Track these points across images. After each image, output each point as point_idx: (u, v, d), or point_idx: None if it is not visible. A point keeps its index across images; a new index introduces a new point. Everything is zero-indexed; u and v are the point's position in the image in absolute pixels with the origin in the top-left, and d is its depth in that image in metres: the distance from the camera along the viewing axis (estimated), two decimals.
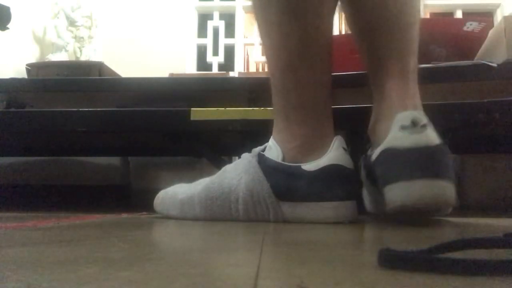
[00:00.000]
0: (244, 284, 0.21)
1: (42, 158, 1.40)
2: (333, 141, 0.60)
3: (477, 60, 1.08)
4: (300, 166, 0.59)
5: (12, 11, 1.12)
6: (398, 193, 0.53)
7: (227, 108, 0.93)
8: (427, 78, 1.02)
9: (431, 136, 0.53)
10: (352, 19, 0.65)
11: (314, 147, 0.60)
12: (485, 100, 0.85)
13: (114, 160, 1.36)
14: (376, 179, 0.58)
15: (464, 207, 1.08)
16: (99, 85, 1.14)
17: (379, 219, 0.66)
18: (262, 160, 0.62)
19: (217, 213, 0.63)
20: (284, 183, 0.59)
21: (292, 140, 0.62)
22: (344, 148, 0.59)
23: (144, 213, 0.77)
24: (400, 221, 0.60)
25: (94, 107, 0.95)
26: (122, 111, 0.96)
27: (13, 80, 1.13)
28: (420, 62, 1.07)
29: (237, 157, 1.50)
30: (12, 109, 1.07)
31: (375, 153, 0.58)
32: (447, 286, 0.21)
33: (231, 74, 2.37)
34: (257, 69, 2.91)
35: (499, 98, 0.86)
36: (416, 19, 0.63)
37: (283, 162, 0.61)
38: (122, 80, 1.23)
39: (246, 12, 2.89)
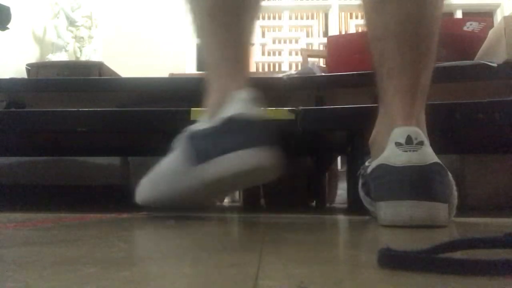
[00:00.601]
0: (244, 284, 0.21)
1: (42, 158, 1.40)
2: (235, 94, 0.59)
3: (477, 60, 1.08)
4: (207, 124, 0.59)
5: (12, 11, 1.12)
6: (388, 211, 0.53)
7: None
8: None
9: (426, 155, 0.52)
10: (370, 23, 0.62)
11: (224, 102, 0.60)
12: (485, 100, 0.85)
13: (114, 160, 1.36)
14: (370, 192, 0.59)
15: (464, 207, 1.08)
16: (99, 85, 1.14)
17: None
18: (188, 131, 0.62)
19: (165, 191, 0.63)
20: (201, 146, 0.59)
21: (209, 99, 0.63)
22: (245, 99, 0.58)
23: (144, 213, 0.77)
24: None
25: (94, 107, 0.95)
26: (122, 111, 0.96)
27: (13, 80, 1.13)
28: None
29: None
30: (12, 109, 1.07)
31: (371, 166, 0.58)
32: (447, 286, 0.21)
33: None
34: (257, 69, 2.92)
35: (499, 98, 0.86)
36: (434, 29, 0.59)
37: (198, 127, 0.61)
38: (122, 80, 1.23)
39: None
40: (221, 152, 0.55)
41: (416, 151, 0.52)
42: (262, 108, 0.60)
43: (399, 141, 0.53)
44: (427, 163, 0.52)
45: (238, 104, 0.58)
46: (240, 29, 0.66)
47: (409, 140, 0.52)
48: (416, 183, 0.51)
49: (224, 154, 0.55)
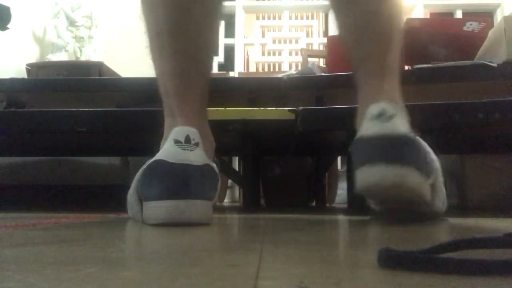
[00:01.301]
0: (244, 284, 0.21)
1: (42, 158, 1.40)
2: (169, 133, 0.57)
3: (477, 60, 1.08)
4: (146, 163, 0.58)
5: (12, 11, 1.12)
6: (360, 176, 0.55)
7: (227, 108, 0.93)
8: (427, 78, 1.02)
9: (397, 126, 0.55)
10: (341, 20, 0.67)
11: (164, 139, 0.60)
12: (485, 100, 0.85)
13: (114, 160, 1.36)
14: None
15: (464, 207, 1.08)
16: (99, 85, 1.14)
17: (379, 219, 0.66)
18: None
19: (133, 216, 0.61)
20: (140, 183, 0.57)
21: (164, 129, 0.63)
22: (176, 140, 0.56)
23: None
24: (400, 221, 0.60)
25: (94, 107, 0.95)
26: (122, 111, 0.96)
27: (13, 80, 1.13)
28: (420, 62, 1.08)
29: (237, 157, 1.51)
30: (12, 109, 1.07)
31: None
32: (447, 286, 0.21)
33: (231, 74, 2.37)
34: (257, 69, 2.92)
35: (499, 98, 0.86)
36: (391, 17, 0.64)
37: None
38: (122, 80, 1.23)
39: (246, 12, 2.89)
40: (147, 199, 0.54)
41: (388, 122, 0.55)
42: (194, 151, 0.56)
43: (372, 115, 0.57)
44: (399, 133, 0.55)
45: (166, 147, 0.56)
46: (193, 58, 0.63)
47: (380, 114, 0.56)
48: (388, 149, 0.54)
49: (149, 201, 0.54)
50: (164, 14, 0.62)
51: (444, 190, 0.65)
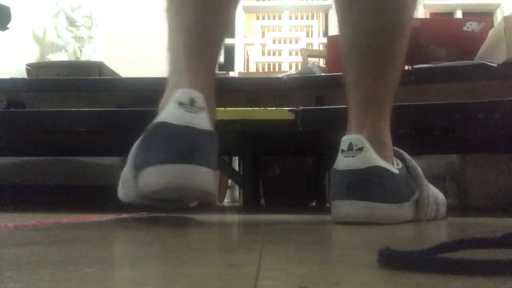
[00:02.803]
0: (244, 284, 0.21)
1: (42, 158, 1.40)
2: (173, 94, 0.52)
3: (477, 60, 1.08)
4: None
5: (12, 11, 1.12)
6: (333, 209, 0.59)
7: (227, 108, 0.93)
8: (427, 78, 1.02)
9: (364, 159, 0.57)
10: (340, 37, 0.66)
11: (167, 102, 0.54)
12: (485, 100, 0.85)
13: (114, 160, 1.36)
14: None
15: (464, 207, 1.08)
16: (99, 85, 1.14)
17: None
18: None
19: (125, 195, 0.60)
20: (136, 153, 0.54)
21: (163, 96, 0.59)
22: (180, 102, 0.51)
23: (144, 213, 0.77)
24: (400, 221, 0.60)
25: (94, 107, 0.95)
26: (122, 111, 0.96)
27: (13, 80, 1.13)
28: (420, 62, 1.08)
29: (237, 157, 1.51)
30: (12, 109, 1.07)
31: None
32: (447, 286, 0.21)
33: (231, 74, 2.37)
34: (257, 69, 2.92)
35: (499, 98, 0.86)
36: (393, 40, 0.61)
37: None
38: (122, 80, 1.23)
39: (246, 12, 2.89)
40: (145, 165, 0.50)
41: (355, 156, 0.57)
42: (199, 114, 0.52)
43: (343, 148, 0.59)
44: (364, 167, 0.56)
45: (169, 109, 0.51)
46: (214, 16, 0.60)
47: (350, 147, 0.58)
48: (352, 184, 0.57)
49: (147, 167, 0.49)
50: None
51: (438, 197, 0.67)
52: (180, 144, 0.48)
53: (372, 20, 0.59)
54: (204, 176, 0.49)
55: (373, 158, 0.57)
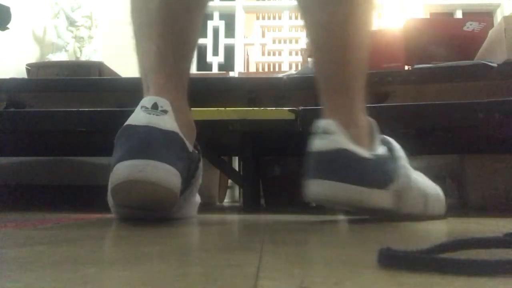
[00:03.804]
0: (244, 284, 0.21)
1: (42, 158, 1.40)
2: (140, 102, 0.57)
3: (477, 60, 1.08)
4: None
5: (12, 11, 1.12)
6: (306, 188, 0.60)
7: (227, 108, 0.93)
8: (427, 78, 1.02)
9: (333, 142, 0.59)
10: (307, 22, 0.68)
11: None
12: (485, 100, 0.85)
13: None
14: None
15: (464, 207, 1.08)
16: (99, 85, 1.14)
17: (379, 219, 0.66)
18: None
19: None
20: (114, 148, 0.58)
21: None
22: (143, 106, 0.55)
23: None
24: (400, 221, 0.60)
25: (94, 107, 0.95)
26: (122, 111, 0.96)
27: (13, 80, 1.13)
28: (420, 62, 1.08)
29: (237, 157, 1.51)
30: (12, 109, 1.07)
31: None
32: (447, 286, 0.21)
33: (231, 74, 2.37)
34: (257, 69, 2.92)
35: (499, 98, 0.86)
36: (358, 44, 0.64)
37: None
38: (122, 80, 1.23)
39: (246, 12, 2.89)
40: (112, 166, 0.53)
41: (324, 139, 0.60)
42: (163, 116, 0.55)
43: (315, 132, 0.61)
44: (331, 149, 0.59)
45: (133, 113, 0.56)
46: (183, 18, 0.62)
47: (321, 130, 0.60)
48: (319, 165, 0.59)
49: (112, 168, 0.52)
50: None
51: (429, 192, 0.66)
52: (137, 142, 0.52)
53: (322, 13, 0.63)
54: (160, 170, 0.51)
55: (341, 141, 0.59)
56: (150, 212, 0.56)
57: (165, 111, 0.55)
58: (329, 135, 0.59)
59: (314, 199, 0.61)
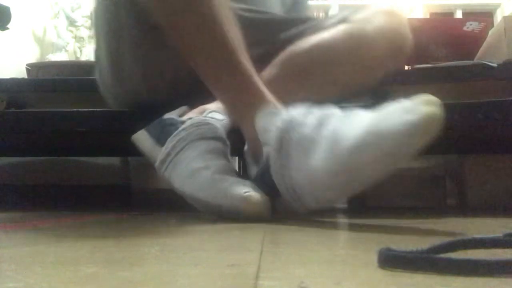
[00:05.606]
0: (244, 284, 0.21)
1: (42, 158, 1.39)
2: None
3: (477, 60, 1.08)
4: None
5: (12, 11, 1.12)
6: None
7: None
8: (427, 78, 1.02)
9: None
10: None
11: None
12: (485, 100, 0.85)
13: (114, 160, 1.36)
14: None
15: (464, 207, 1.08)
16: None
17: (379, 219, 0.66)
18: None
19: None
20: None
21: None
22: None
23: (144, 213, 0.77)
24: (400, 220, 0.60)
25: (94, 107, 0.95)
26: (121, 111, 0.96)
27: (13, 80, 1.13)
28: (420, 62, 1.08)
29: (236, 157, 1.51)
30: (12, 109, 1.07)
31: None
32: (447, 286, 0.21)
33: None
34: None
35: (499, 98, 0.86)
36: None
37: None
38: None
39: None
40: None
41: None
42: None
43: None
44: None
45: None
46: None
47: None
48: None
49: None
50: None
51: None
52: None
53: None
54: None
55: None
56: None
57: None
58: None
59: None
